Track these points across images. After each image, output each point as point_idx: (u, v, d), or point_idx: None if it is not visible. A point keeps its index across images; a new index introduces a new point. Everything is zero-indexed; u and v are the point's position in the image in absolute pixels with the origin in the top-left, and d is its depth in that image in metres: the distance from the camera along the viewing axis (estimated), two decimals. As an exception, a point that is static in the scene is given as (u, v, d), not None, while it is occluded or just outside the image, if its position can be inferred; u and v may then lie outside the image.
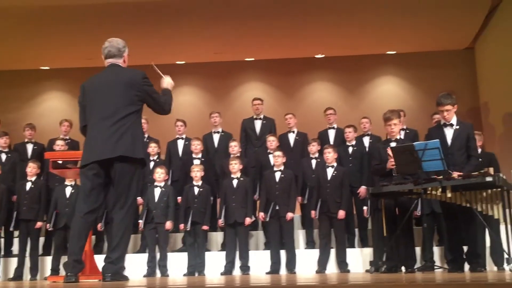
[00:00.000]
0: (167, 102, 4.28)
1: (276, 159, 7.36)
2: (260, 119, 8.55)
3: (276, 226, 7.21)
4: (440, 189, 5.43)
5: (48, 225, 7.47)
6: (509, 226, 5.30)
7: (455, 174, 5.34)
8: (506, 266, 5.47)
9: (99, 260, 4.27)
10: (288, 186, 7.30)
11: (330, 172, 7.18)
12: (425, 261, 6.60)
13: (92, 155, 4.04)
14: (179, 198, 7.64)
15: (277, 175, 7.32)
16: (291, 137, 8.35)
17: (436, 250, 6.95)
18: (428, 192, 5.52)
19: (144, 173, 7.68)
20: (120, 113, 4.06)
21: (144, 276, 7.15)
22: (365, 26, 10.52)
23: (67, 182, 7.47)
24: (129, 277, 4.34)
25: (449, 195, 5.41)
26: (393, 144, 5.93)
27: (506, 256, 5.35)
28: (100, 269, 4.18)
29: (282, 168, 7.37)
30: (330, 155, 7.18)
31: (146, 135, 8.44)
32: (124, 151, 4.00)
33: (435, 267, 6.31)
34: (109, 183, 4.12)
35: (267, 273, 7.13)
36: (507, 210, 5.36)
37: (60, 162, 5.16)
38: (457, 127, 5.72)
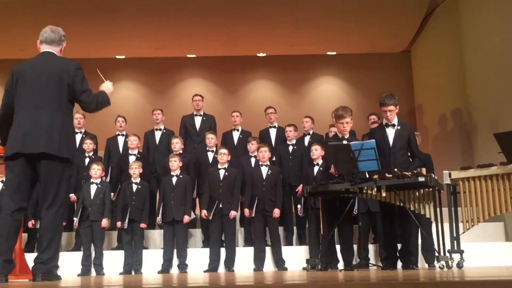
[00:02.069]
0: (96, 100, 4.07)
1: (221, 156, 7.32)
2: (200, 115, 8.51)
3: (218, 224, 7.19)
4: (375, 189, 5.57)
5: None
6: (439, 225, 5.50)
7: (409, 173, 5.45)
8: (436, 264, 5.66)
9: (31, 259, 4.12)
10: (232, 184, 7.28)
11: (264, 171, 7.22)
12: (360, 259, 6.75)
13: (15, 146, 3.85)
14: (111, 194, 7.49)
15: (221, 173, 7.29)
16: (235, 135, 8.36)
17: (371, 248, 7.12)
18: (364, 191, 5.66)
19: (74, 170, 7.51)
20: (51, 104, 3.90)
21: (78, 275, 6.97)
22: (306, 27, 10.66)
23: (-4, 178, 7.18)
24: (61, 277, 4.21)
25: (383, 194, 5.56)
26: (345, 142, 5.98)
27: (436, 254, 5.55)
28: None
29: (226, 166, 7.34)
30: (266, 154, 7.23)
31: (82, 130, 8.27)
32: (47, 148, 3.83)
33: (370, 265, 6.46)
34: (36, 179, 3.95)
35: (205, 271, 7.10)
36: (438, 210, 5.55)
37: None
38: (399, 127, 5.89)
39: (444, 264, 5.30)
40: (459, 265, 5.40)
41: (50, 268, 3.91)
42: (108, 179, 7.82)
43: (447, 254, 5.39)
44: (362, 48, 11.89)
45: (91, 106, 4.07)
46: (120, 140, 8.33)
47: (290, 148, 7.84)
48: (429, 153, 7.13)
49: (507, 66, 8.13)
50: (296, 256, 7.23)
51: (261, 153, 7.25)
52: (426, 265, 6.57)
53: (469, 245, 6.35)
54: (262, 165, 7.24)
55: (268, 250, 7.22)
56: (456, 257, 5.43)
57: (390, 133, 5.90)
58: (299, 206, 7.37)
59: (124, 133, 8.38)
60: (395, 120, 5.91)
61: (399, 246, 6.04)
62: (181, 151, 7.78)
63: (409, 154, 5.96)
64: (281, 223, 7.65)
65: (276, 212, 7.08)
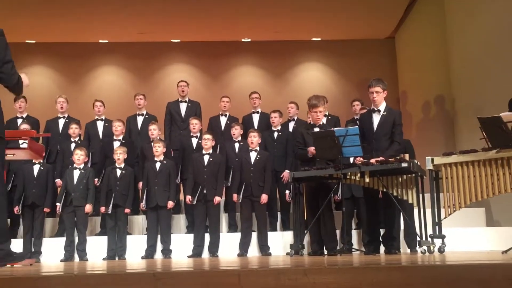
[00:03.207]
0: (18, 77, 3.72)
1: (206, 142, 7.29)
2: (185, 102, 8.47)
3: (202, 209, 7.18)
4: (359, 174, 5.61)
5: None
6: (422, 210, 5.55)
7: (373, 160, 5.53)
8: (418, 248, 5.73)
9: (13, 244, 4.08)
10: (217, 170, 7.27)
11: (253, 156, 7.22)
12: (343, 244, 6.80)
13: None
14: (95, 180, 7.46)
15: (206, 159, 7.27)
16: (223, 121, 8.33)
17: (354, 233, 7.17)
18: (348, 177, 5.69)
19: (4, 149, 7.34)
20: None
21: (61, 260, 6.95)
22: (291, 12, 10.61)
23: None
24: (21, 254, 4.04)
25: (367, 180, 5.60)
26: (316, 130, 6.05)
27: (418, 239, 5.61)
28: (14, 251, 3.95)
29: (210, 151, 7.32)
30: (255, 139, 7.22)
31: (65, 115, 8.21)
32: None
33: (353, 250, 6.51)
34: None
35: (189, 256, 7.11)
36: (421, 195, 5.60)
37: None
38: (385, 113, 5.89)
39: (426, 249, 5.36)
40: (441, 250, 5.46)
41: (7, 252, 3.77)
42: (89, 164, 7.76)
43: (429, 239, 5.45)
44: (347, 34, 11.88)
45: (12, 79, 3.71)
46: (99, 125, 8.27)
47: (275, 134, 7.84)
48: (409, 139, 7.18)
49: (490, 54, 8.18)
50: (280, 242, 7.27)
51: (250, 138, 7.23)
52: (408, 250, 6.64)
53: (450, 230, 6.42)
54: (251, 151, 7.23)
55: (252, 235, 7.24)
56: (438, 242, 5.49)
57: (376, 119, 5.91)
58: (287, 192, 7.39)
59: (103, 117, 8.32)
60: (382, 106, 5.92)
61: (382, 231, 6.10)
62: (158, 137, 7.74)
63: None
64: (266, 209, 7.67)
65: (264, 198, 7.09)
